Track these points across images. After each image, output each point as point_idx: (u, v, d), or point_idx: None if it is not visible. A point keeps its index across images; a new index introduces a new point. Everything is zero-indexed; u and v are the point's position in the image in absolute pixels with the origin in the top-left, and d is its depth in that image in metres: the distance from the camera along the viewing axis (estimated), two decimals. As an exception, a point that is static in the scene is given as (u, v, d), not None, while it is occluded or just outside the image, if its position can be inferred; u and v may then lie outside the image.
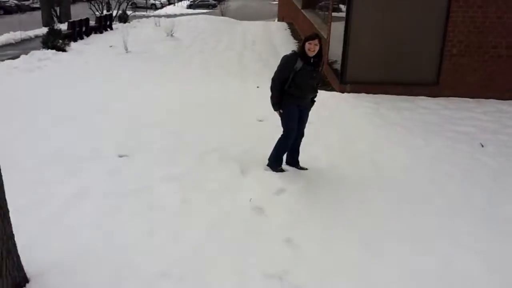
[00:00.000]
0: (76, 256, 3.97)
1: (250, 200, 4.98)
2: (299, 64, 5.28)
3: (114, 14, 23.35)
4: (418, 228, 4.66)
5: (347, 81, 9.76)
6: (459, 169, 6.22)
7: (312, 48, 5.24)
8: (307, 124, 5.85)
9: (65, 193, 5.07)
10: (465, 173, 6.11)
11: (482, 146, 7.08)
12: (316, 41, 5.24)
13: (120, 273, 3.78)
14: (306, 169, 5.93)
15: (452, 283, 3.85)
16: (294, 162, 5.95)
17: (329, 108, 8.59)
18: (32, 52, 12.85)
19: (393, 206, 5.10)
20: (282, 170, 5.80)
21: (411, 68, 9.62)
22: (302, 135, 5.82)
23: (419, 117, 8.31)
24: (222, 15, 33.54)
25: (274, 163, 5.80)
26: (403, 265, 4.05)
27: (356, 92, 9.68)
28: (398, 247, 4.32)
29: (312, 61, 5.31)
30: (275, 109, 5.59)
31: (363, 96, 9.54)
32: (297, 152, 5.93)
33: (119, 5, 27.59)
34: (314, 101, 5.76)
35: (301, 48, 5.33)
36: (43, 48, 13.60)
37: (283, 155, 5.81)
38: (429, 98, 9.49)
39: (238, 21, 21.75)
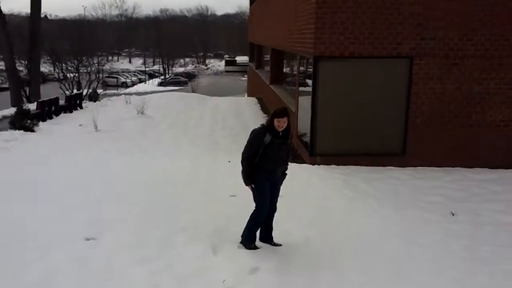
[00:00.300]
0: None
1: (223, 282, 4.80)
2: (268, 137, 5.34)
3: (84, 93, 23.55)
4: (396, 304, 4.55)
5: (317, 153, 9.88)
6: (431, 239, 6.22)
7: (280, 125, 5.33)
8: (279, 198, 5.82)
9: (27, 280, 4.78)
10: (437, 243, 6.11)
11: (453, 215, 7.14)
12: (285, 119, 5.33)
13: None
14: (280, 245, 5.82)
15: None
16: (268, 238, 5.84)
17: (300, 181, 8.60)
18: (-1, 133, 12.69)
19: (369, 280, 5.01)
20: (255, 247, 5.66)
21: (379, 139, 9.84)
22: (274, 209, 5.77)
23: (390, 188, 8.39)
24: (193, 91, 34.23)
25: (248, 241, 5.67)
26: None
27: (326, 164, 9.78)
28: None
29: (280, 134, 5.37)
30: (247, 184, 5.57)
31: (333, 168, 9.63)
32: (270, 228, 5.84)
33: (90, 84, 27.94)
34: (286, 174, 5.77)
35: (270, 122, 5.40)
36: (11, 128, 13.46)
37: (256, 231, 5.71)
38: (398, 168, 9.64)
39: (209, 97, 22.20)
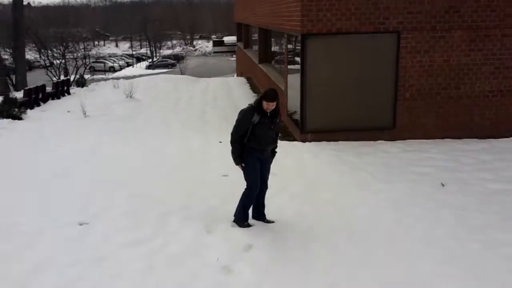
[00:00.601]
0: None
1: (217, 260, 4.84)
2: (256, 117, 5.35)
3: (71, 79, 23.29)
4: (389, 274, 4.63)
5: (308, 130, 9.90)
6: (423, 209, 6.30)
7: (269, 108, 5.34)
8: (271, 176, 5.85)
9: (23, 268, 4.79)
10: (429, 213, 6.19)
11: (443, 185, 7.22)
12: (274, 103, 5.32)
13: None
14: (273, 222, 5.87)
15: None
16: (260, 216, 5.88)
17: (292, 158, 8.64)
18: (-13, 122, 12.53)
19: (363, 253, 5.07)
20: (249, 225, 5.71)
21: (368, 114, 9.87)
22: (266, 187, 5.80)
23: (381, 161, 8.44)
24: (182, 73, 34.01)
25: (241, 219, 5.72)
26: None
27: (317, 141, 9.81)
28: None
29: (268, 114, 5.38)
30: (237, 163, 5.59)
31: (324, 144, 9.66)
32: (262, 206, 5.88)
33: (77, 70, 27.64)
34: (275, 152, 5.78)
35: (258, 102, 5.39)
36: (-2, 117, 13.29)
37: (248, 209, 5.75)
38: (388, 142, 9.70)
39: (198, 78, 22.05)
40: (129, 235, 5.48)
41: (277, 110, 5.45)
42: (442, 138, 9.81)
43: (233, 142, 5.51)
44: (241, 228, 5.62)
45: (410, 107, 9.81)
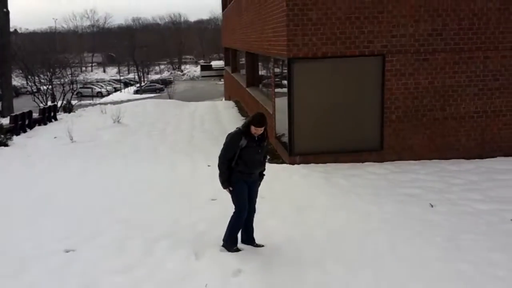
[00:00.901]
0: None
1: (205, 286, 4.77)
2: (243, 141, 5.36)
3: (58, 104, 23.22)
4: (379, 297, 4.58)
5: (296, 153, 9.91)
6: (412, 232, 6.29)
7: (257, 132, 5.37)
8: (260, 199, 5.84)
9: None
10: (419, 235, 6.17)
11: (432, 206, 7.23)
12: (262, 128, 5.35)
13: None
14: (262, 246, 5.82)
15: None
16: (249, 240, 5.84)
17: (281, 181, 8.62)
18: (-28, 149, 12.39)
19: (354, 278, 5.03)
20: (238, 250, 5.66)
21: (356, 136, 9.92)
22: (253, 211, 5.77)
23: (369, 183, 8.46)
24: (170, 98, 34.06)
25: (229, 243, 5.66)
26: None
27: (306, 163, 9.81)
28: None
29: (256, 138, 5.38)
30: (224, 187, 5.58)
31: (313, 166, 9.67)
32: (251, 229, 5.84)
33: (64, 96, 27.58)
34: (263, 175, 5.78)
35: (246, 127, 5.41)
36: (-16, 144, 13.14)
37: (237, 233, 5.71)
38: (376, 163, 9.73)
39: (186, 102, 22.07)
40: (116, 262, 5.40)
41: (265, 134, 5.47)
42: (430, 159, 9.88)
43: (220, 165, 5.50)
44: (230, 253, 5.56)
45: (397, 128, 9.89)
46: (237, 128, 5.60)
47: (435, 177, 8.69)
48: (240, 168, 5.44)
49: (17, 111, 18.85)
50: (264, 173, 5.78)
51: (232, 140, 5.42)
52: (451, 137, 9.98)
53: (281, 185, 8.42)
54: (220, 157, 5.49)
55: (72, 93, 30.68)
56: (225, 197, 5.95)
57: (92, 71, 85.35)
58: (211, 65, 75.94)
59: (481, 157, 9.91)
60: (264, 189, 5.89)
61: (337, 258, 5.47)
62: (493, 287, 4.77)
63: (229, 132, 5.67)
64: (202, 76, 74.20)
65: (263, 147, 5.50)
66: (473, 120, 9.98)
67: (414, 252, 5.66)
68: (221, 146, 5.57)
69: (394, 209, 7.16)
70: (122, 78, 71.96)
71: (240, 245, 5.75)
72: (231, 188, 5.52)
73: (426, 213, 6.96)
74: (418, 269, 5.22)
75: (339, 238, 6.10)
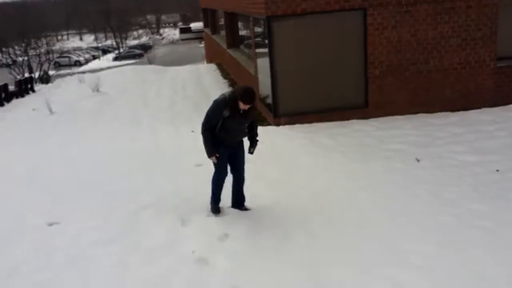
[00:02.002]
0: None
1: (193, 252, 4.71)
2: (227, 112, 5.12)
3: (36, 76, 22.63)
4: (367, 255, 4.58)
5: (281, 114, 9.78)
6: (397, 187, 6.27)
7: (244, 108, 5.10)
8: (247, 163, 5.71)
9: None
10: (403, 190, 6.16)
11: (418, 161, 7.21)
12: (251, 106, 5.10)
13: None
14: (249, 209, 5.76)
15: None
16: (238, 205, 5.78)
17: (266, 144, 8.47)
18: None
19: (339, 236, 5.01)
20: (218, 210, 5.64)
21: (340, 94, 9.79)
22: (242, 178, 5.67)
23: (354, 141, 8.40)
24: (150, 63, 33.41)
25: (212, 204, 5.66)
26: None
27: (291, 124, 9.71)
28: (348, 277, 4.19)
29: (242, 111, 5.15)
30: (209, 155, 5.35)
31: (298, 127, 9.57)
32: (240, 196, 5.75)
33: (41, 66, 26.88)
34: (257, 140, 5.60)
35: (233, 99, 5.10)
36: (-40, 120, 12.79)
37: (219, 193, 5.63)
38: (361, 120, 9.66)
39: (167, 67, 21.63)
40: (101, 233, 5.31)
41: (252, 107, 5.21)
42: (415, 113, 9.83)
43: (204, 132, 5.28)
44: (216, 218, 5.50)
45: (381, 84, 9.77)
46: (222, 95, 5.29)
47: (420, 131, 8.66)
48: (222, 135, 5.27)
49: (-7, 85, 18.30)
50: (258, 138, 5.60)
51: (215, 109, 5.18)
52: (435, 90, 9.91)
53: (267, 147, 8.29)
54: (203, 124, 5.27)
55: (49, 64, 29.91)
56: (210, 162, 5.84)
57: (68, 39, 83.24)
58: (190, 28, 74.14)
59: (466, 109, 9.88)
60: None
61: (323, 218, 5.44)
62: (476, 238, 4.78)
63: (214, 98, 5.43)
64: (182, 39, 72.65)
65: (248, 118, 5.31)
66: (457, 72, 9.89)
67: (399, 207, 5.65)
68: (204, 111, 5.37)
69: (380, 165, 7.12)
70: (99, 45, 70.32)
71: (229, 209, 5.68)
72: (217, 155, 5.33)
73: (411, 168, 6.94)
74: (403, 224, 5.21)
75: (324, 198, 6.07)
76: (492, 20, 9.70)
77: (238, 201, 5.76)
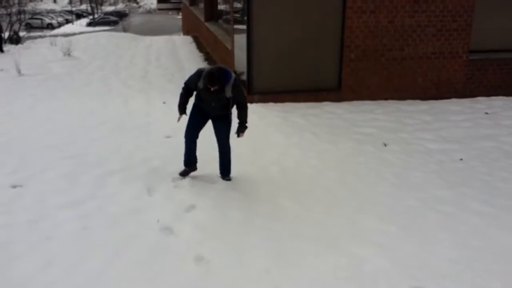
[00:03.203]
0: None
1: (158, 221, 4.70)
2: (201, 84, 5.26)
3: (5, 36, 21.85)
4: (331, 231, 4.67)
5: (255, 91, 9.74)
6: (365, 168, 6.39)
7: (212, 88, 5.13)
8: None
9: None
10: (371, 172, 6.28)
11: (385, 145, 7.34)
12: (215, 87, 5.09)
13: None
14: (230, 179, 5.82)
15: (364, 281, 3.86)
16: (221, 174, 5.88)
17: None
18: None
19: (305, 211, 5.09)
20: (186, 172, 5.81)
21: (315, 75, 9.81)
22: (221, 149, 5.73)
23: (326, 122, 8.46)
24: (125, 31, 32.69)
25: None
26: (316, 269, 3.99)
27: (264, 102, 9.69)
28: (311, 251, 4.28)
29: (212, 89, 5.17)
30: (179, 113, 5.59)
31: (271, 105, 9.56)
32: (222, 166, 5.84)
33: (11, 27, 25.96)
34: (245, 125, 5.58)
35: (203, 78, 5.21)
36: None
37: (186, 152, 5.74)
38: (334, 103, 9.73)
39: (141, 36, 21.21)
40: (64, 197, 5.23)
41: (222, 89, 5.19)
42: (387, 99, 9.95)
43: (182, 90, 5.56)
44: (184, 189, 5.50)
45: (355, 68, 9.83)
46: (199, 68, 5.43)
47: (391, 116, 8.79)
48: (197, 101, 5.54)
49: (-42, 41, 17.58)
50: (247, 125, 5.60)
51: (193, 76, 5.39)
52: (408, 78, 10.04)
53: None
54: (184, 84, 5.55)
55: (20, 24, 28.92)
56: (180, 135, 5.81)
57: (42, 0, 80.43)
58: (168, -3, 72.47)
59: (436, 98, 10.07)
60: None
61: (290, 193, 5.51)
62: (437, 222, 4.94)
63: (189, 70, 5.56)
64: (159, 9, 71.00)
65: (220, 99, 5.30)
66: (430, 61, 10.03)
67: (365, 188, 5.77)
68: (178, 83, 5.63)
69: (349, 147, 7.23)
70: (74, 9, 68.25)
71: (197, 181, 5.70)
72: (185, 115, 5.56)
73: (379, 152, 7.07)
74: (369, 204, 5.33)
75: (293, 175, 6.14)
76: (468, 12, 9.85)
77: (221, 171, 5.86)
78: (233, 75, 5.27)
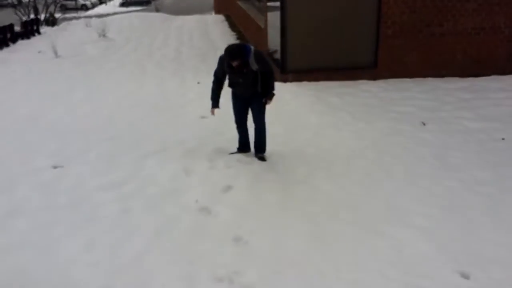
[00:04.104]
0: (8, 279, 3.61)
1: (196, 202, 4.76)
2: (226, 67, 5.37)
3: (42, 18, 22.26)
4: (369, 213, 4.63)
5: (289, 70, 9.65)
6: (403, 148, 6.27)
7: (233, 64, 5.23)
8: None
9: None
10: (408, 152, 6.17)
11: (424, 124, 7.17)
12: (236, 62, 5.17)
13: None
14: (265, 160, 5.85)
15: (405, 266, 3.81)
16: (255, 151, 5.96)
17: (272, 100, 8.44)
18: (-48, 64, 11.96)
19: (342, 193, 5.05)
20: (237, 151, 5.97)
21: (350, 53, 9.62)
22: (257, 127, 5.80)
23: (361, 101, 8.33)
24: (157, 11, 32.77)
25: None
26: (355, 253, 3.97)
27: (298, 81, 9.59)
28: (349, 234, 4.25)
29: (235, 67, 5.25)
30: (212, 106, 5.65)
31: (305, 84, 9.47)
32: (256, 144, 5.92)
33: (47, 8, 26.41)
34: (272, 92, 5.57)
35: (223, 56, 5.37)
36: (-35, 59, 12.67)
37: (239, 136, 5.95)
38: (370, 81, 9.55)
39: (174, 16, 21.24)
40: (104, 179, 5.35)
41: (247, 65, 5.23)
42: (424, 76, 9.69)
43: (212, 84, 5.64)
44: (221, 170, 5.53)
45: (392, 45, 9.58)
46: (220, 55, 5.51)
47: (429, 95, 8.57)
48: (231, 87, 5.62)
49: (-2, 25, 18.05)
50: (274, 92, 5.60)
51: (218, 63, 5.50)
52: (447, 54, 9.73)
53: (272, 103, 8.23)
54: (213, 77, 5.65)
55: (55, 6, 29.34)
56: (216, 114, 5.82)
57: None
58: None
59: (476, 75, 9.74)
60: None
61: (326, 174, 5.47)
62: (478, 204, 4.82)
63: (221, 48, 5.62)
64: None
65: (248, 73, 5.30)
66: (471, 37, 9.68)
67: (403, 169, 5.67)
68: (211, 63, 5.72)
69: (386, 127, 7.09)
70: (107, -10, 68.70)
71: (234, 162, 5.71)
72: (218, 108, 5.65)
73: (417, 131, 6.92)
74: (407, 185, 5.25)
75: (329, 156, 6.08)
76: (512, -15, 9.43)
77: (256, 148, 5.95)
78: (252, 47, 5.30)
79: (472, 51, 9.75)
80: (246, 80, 5.39)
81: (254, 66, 5.26)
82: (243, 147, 6.00)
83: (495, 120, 7.35)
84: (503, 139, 6.62)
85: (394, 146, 6.35)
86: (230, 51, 5.17)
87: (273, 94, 5.61)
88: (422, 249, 4.01)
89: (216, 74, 5.55)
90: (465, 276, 3.67)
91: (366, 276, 3.67)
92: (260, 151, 5.90)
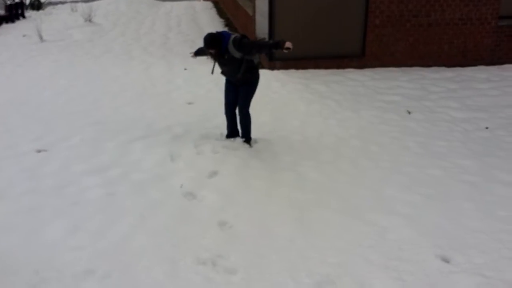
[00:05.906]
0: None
1: (181, 186, 4.75)
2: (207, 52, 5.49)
3: (26, 1, 21.83)
4: (354, 201, 4.65)
5: (276, 58, 9.63)
6: (388, 137, 6.31)
7: (212, 52, 5.30)
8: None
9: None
10: (394, 141, 6.21)
11: (409, 113, 7.22)
12: (213, 50, 5.23)
13: (42, 276, 3.46)
14: (249, 147, 5.85)
15: (388, 250, 3.85)
16: (241, 135, 5.97)
17: (260, 87, 8.36)
18: None
19: (328, 181, 5.07)
20: (226, 136, 5.97)
21: (338, 41, 9.63)
22: (239, 110, 5.76)
23: (348, 90, 8.35)
24: (145, -3, 32.30)
25: None
26: (339, 238, 4.00)
27: (286, 69, 9.59)
28: (334, 221, 4.27)
29: (214, 54, 5.31)
30: (194, 52, 6.01)
31: (293, 72, 9.46)
32: (240, 128, 5.93)
33: (32, -8, 25.91)
34: (278, 44, 5.05)
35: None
36: None
37: (227, 125, 5.94)
38: (357, 70, 9.57)
39: (161, 2, 21.00)
40: (89, 163, 5.31)
41: (223, 52, 5.22)
42: (411, 66, 9.75)
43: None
44: (206, 155, 5.52)
45: (380, 34, 9.61)
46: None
47: (415, 84, 8.63)
48: (221, 73, 5.67)
49: (-19, 7, 17.66)
50: (277, 40, 5.12)
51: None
52: (434, 45, 9.79)
53: (260, 91, 8.14)
54: None
55: (41, -10, 28.84)
56: (202, 101, 5.80)
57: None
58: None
59: (462, 65, 9.82)
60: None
61: (314, 163, 5.48)
62: (462, 192, 4.87)
63: None
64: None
65: (231, 61, 5.30)
66: (457, 27, 9.73)
67: (388, 157, 5.71)
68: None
69: (372, 115, 7.13)
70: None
71: (220, 148, 5.70)
72: (194, 55, 5.99)
73: (403, 120, 6.97)
74: (391, 173, 5.29)
75: (315, 143, 6.10)
76: (499, -24, 9.49)
77: (241, 133, 5.93)
78: (232, 35, 5.25)
79: (458, 41, 9.82)
80: (231, 66, 5.39)
81: (236, 54, 5.21)
82: (231, 133, 5.99)
83: (480, 110, 7.43)
84: (487, 128, 6.70)
85: (380, 135, 6.39)
86: (205, 39, 5.19)
87: (281, 42, 4.97)
88: (405, 235, 4.05)
89: (200, 49, 5.80)
90: (446, 260, 3.72)
91: (350, 260, 3.70)
92: (244, 136, 5.90)
